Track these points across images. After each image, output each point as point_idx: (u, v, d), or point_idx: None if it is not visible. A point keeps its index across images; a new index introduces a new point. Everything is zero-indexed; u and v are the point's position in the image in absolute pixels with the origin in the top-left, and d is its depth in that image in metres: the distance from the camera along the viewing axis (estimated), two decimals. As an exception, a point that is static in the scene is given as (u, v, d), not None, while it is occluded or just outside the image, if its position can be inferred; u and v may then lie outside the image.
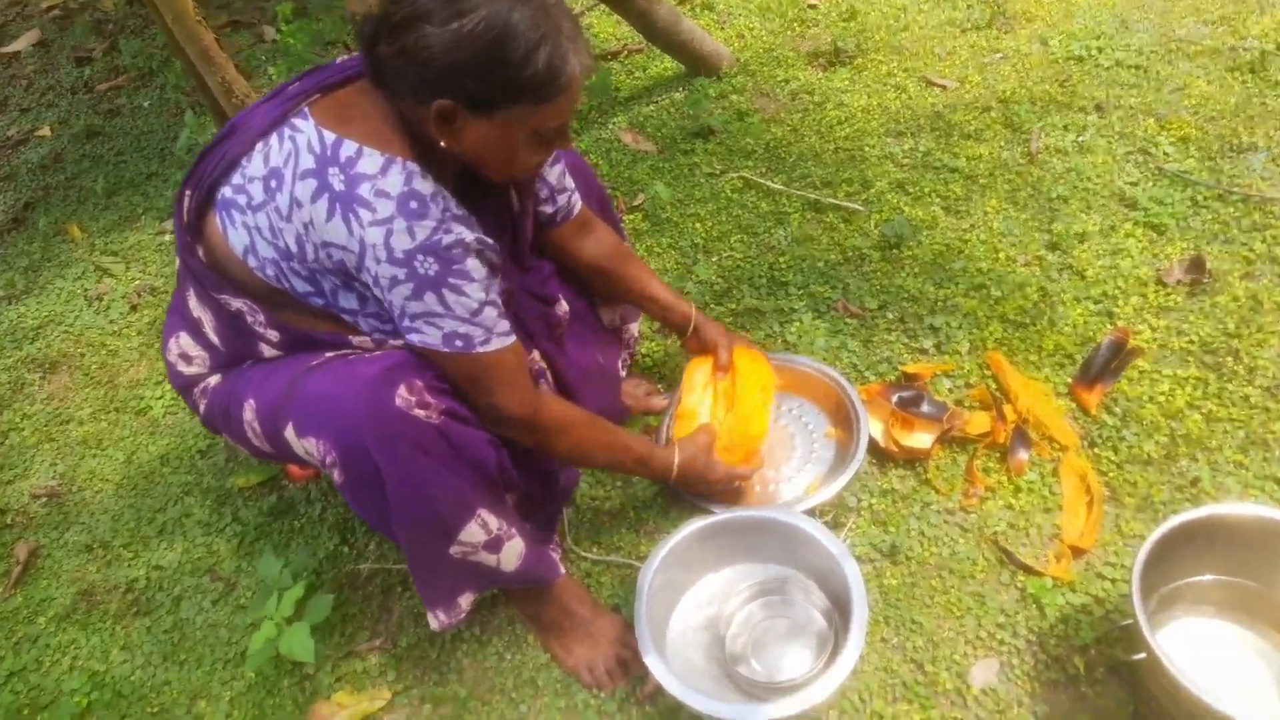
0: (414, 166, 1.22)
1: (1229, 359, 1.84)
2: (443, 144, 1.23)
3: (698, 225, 2.41)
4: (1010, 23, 3.01)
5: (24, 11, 4.25)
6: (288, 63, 2.64)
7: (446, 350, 1.27)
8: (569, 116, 1.27)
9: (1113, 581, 1.55)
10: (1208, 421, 1.75)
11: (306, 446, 1.29)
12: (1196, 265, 2.01)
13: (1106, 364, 1.86)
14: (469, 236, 1.24)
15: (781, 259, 2.26)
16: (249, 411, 1.37)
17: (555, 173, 1.57)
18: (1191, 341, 1.89)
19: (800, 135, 2.66)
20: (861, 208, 2.36)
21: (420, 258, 1.21)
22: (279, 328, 1.37)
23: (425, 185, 1.22)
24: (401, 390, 1.25)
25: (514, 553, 1.43)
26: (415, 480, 1.28)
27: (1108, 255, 2.11)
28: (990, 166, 2.42)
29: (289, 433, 1.30)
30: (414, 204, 1.21)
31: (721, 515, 1.60)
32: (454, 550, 1.36)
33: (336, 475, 1.29)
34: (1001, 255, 2.17)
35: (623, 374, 1.94)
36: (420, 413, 1.25)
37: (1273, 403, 1.76)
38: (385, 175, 1.20)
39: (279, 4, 2.79)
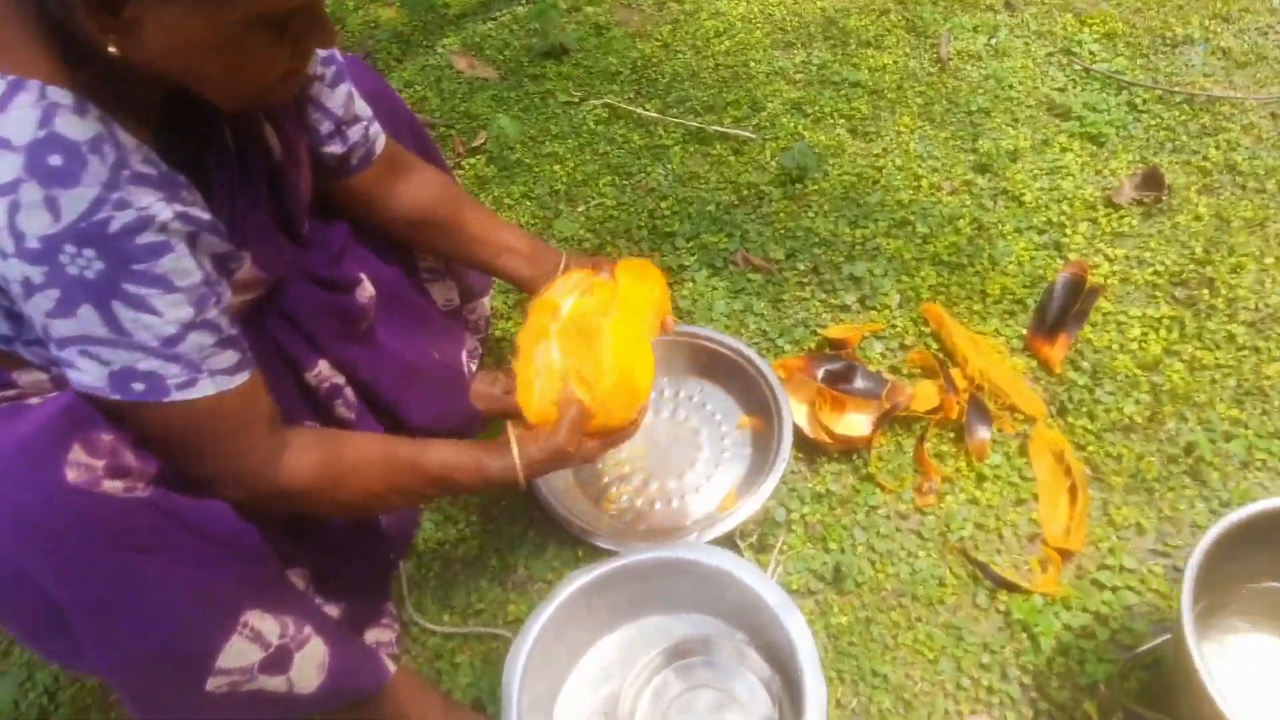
0: (61, 95, 0.72)
1: (1203, 291, 1.54)
2: (111, 49, 0.73)
3: (557, 167, 1.94)
4: (896, -85, 2.62)
5: None
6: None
7: (117, 398, 0.79)
8: None
9: (1114, 590, 1.23)
10: (1191, 370, 1.44)
11: None
12: (1151, 180, 1.69)
13: (1065, 308, 1.52)
14: (165, 212, 0.76)
15: (663, 204, 1.83)
16: None
17: (338, 96, 1.06)
18: (1157, 273, 1.58)
19: (672, 51, 2.21)
20: (753, 135, 1.94)
21: (70, 250, 0.72)
22: None
23: (80, 126, 0.73)
24: (77, 453, 0.76)
25: (313, 664, 0.97)
26: (126, 598, 0.80)
27: (1045, 175, 1.78)
28: (897, 78, 2.05)
29: None
30: (57, 158, 0.71)
31: (616, 561, 1.18)
32: (213, 685, 0.89)
33: None
34: (924, 183, 1.80)
35: (471, 367, 1.47)
36: (114, 485, 0.77)
37: (1261, 340, 1.46)
38: (6, 110, 0.70)
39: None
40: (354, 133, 1.10)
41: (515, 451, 1.06)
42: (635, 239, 1.77)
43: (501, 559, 1.33)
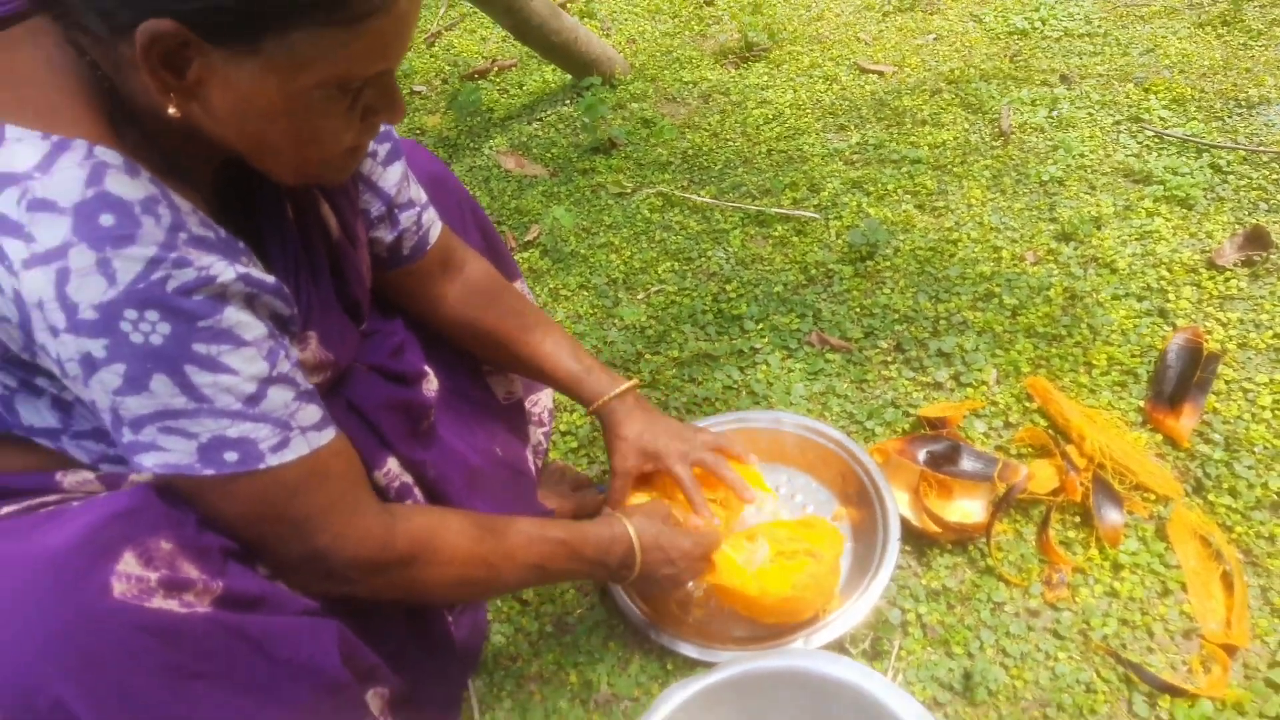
0: (109, 154, 0.65)
1: (1334, 352, 1.40)
2: (171, 110, 0.66)
3: (613, 256, 1.88)
4: (934, 4, 2.64)
5: None
6: None
7: (211, 473, 0.69)
8: (395, 60, 0.71)
9: (1296, 692, 1.05)
10: (1337, 438, 1.29)
11: None
12: (1255, 239, 1.58)
13: (1184, 376, 1.39)
14: (227, 272, 0.68)
15: (727, 287, 1.74)
16: None
17: (391, 176, 0.98)
18: (1278, 335, 1.45)
19: (722, 140, 2.17)
20: (815, 215, 1.87)
21: (131, 315, 0.64)
22: None
23: (132, 186, 0.65)
24: (126, 562, 0.66)
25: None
26: None
27: (1135, 240, 1.67)
28: (960, 153, 1.98)
29: None
30: (109, 218, 0.63)
31: (715, 674, 1.03)
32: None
33: None
34: (1005, 254, 1.70)
35: (537, 464, 1.35)
36: (169, 603, 0.67)
37: None
38: (48, 173, 0.63)
39: None
40: (405, 218, 1.01)
41: (628, 524, 1.03)
42: (700, 323, 1.68)
43: (581, 675, 1.18)
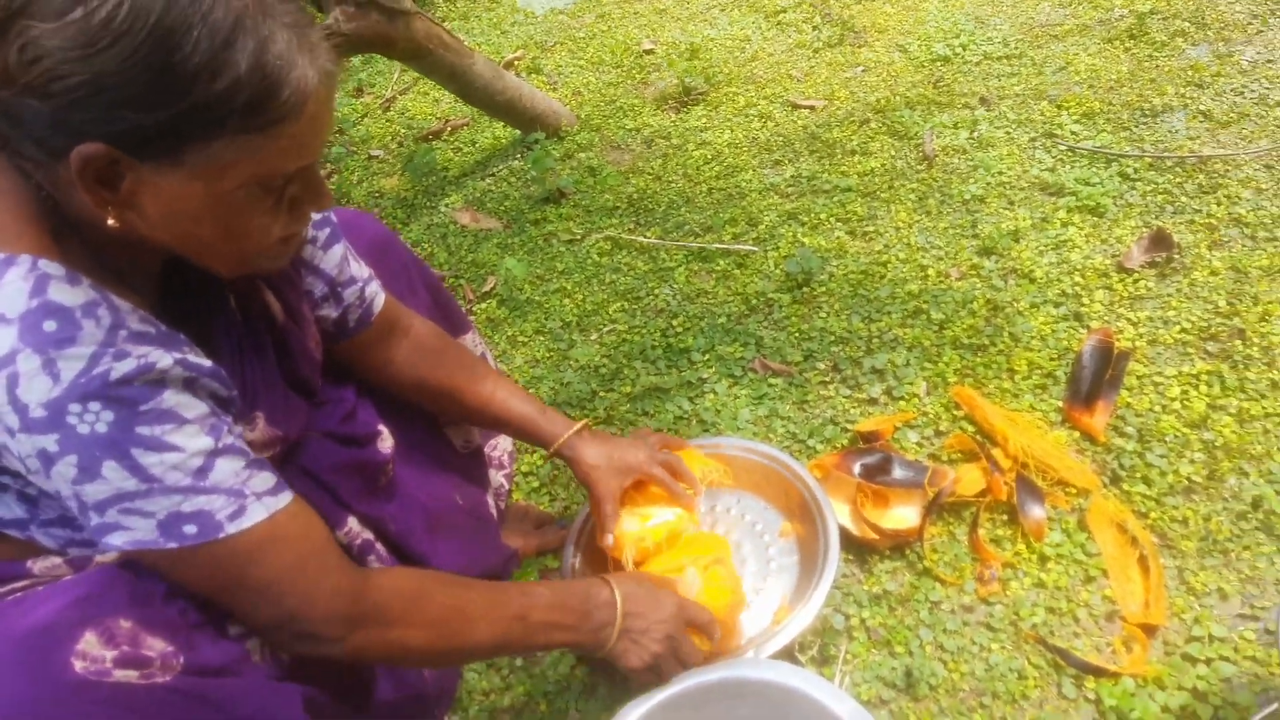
0: (51, 266, 0.72)
1: (1235, 342, 1.50)
2: (110, 221, 0.74)
3: (566, 301, 1.97)
4: (861, 37, 2.77)
5: None
6: None
7: (174, 546, 0.76)
8: (312, 156, 0.78)
9: (1208, 663, 1.13)
10: (1241, 423, 1.39)
11: None
12: (1159, 241, 1.69)
13: (1098, 376, 1.48)
14: (164, 359, 0.74)
15: (674, 321, 1.84)
16: None
17: (333, 258, 1.05)
18: (1185, 330, 1.55)
19: (665, 182, 2.28)
20: (754, 248, 1.97)
21: (75, 409, 0.70)
22: None
23: (71, 294, 0.72)
24: (88, 641, 0.73)
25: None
26: None
27: (1051, 250, 1.78)
28: (887, 179, 2.09)
29: None
30: (51, 324, 0.70)
31: (671, 687, 1.10)
32: None
33: None
34: (931, 271, 1.80)
35: (500, 506, 1.43)
36: (127, 675, 0.73)
37: (1307, 384, 1.41)
38: None
39: None
40: (349, 294, 1.07)
41: (614, 586, 1.07)
42: (651, 358, 1.77)
43: (550, 704, 1.25)
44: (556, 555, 1.44)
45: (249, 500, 0.79)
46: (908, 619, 1.26)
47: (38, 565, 0.85)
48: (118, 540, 0.75)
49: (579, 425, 1.23)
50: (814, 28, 2.88)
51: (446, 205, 2.38)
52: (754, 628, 1.27)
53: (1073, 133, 2.08)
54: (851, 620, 1.27)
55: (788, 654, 1.21)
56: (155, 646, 0.78)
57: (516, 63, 2.98)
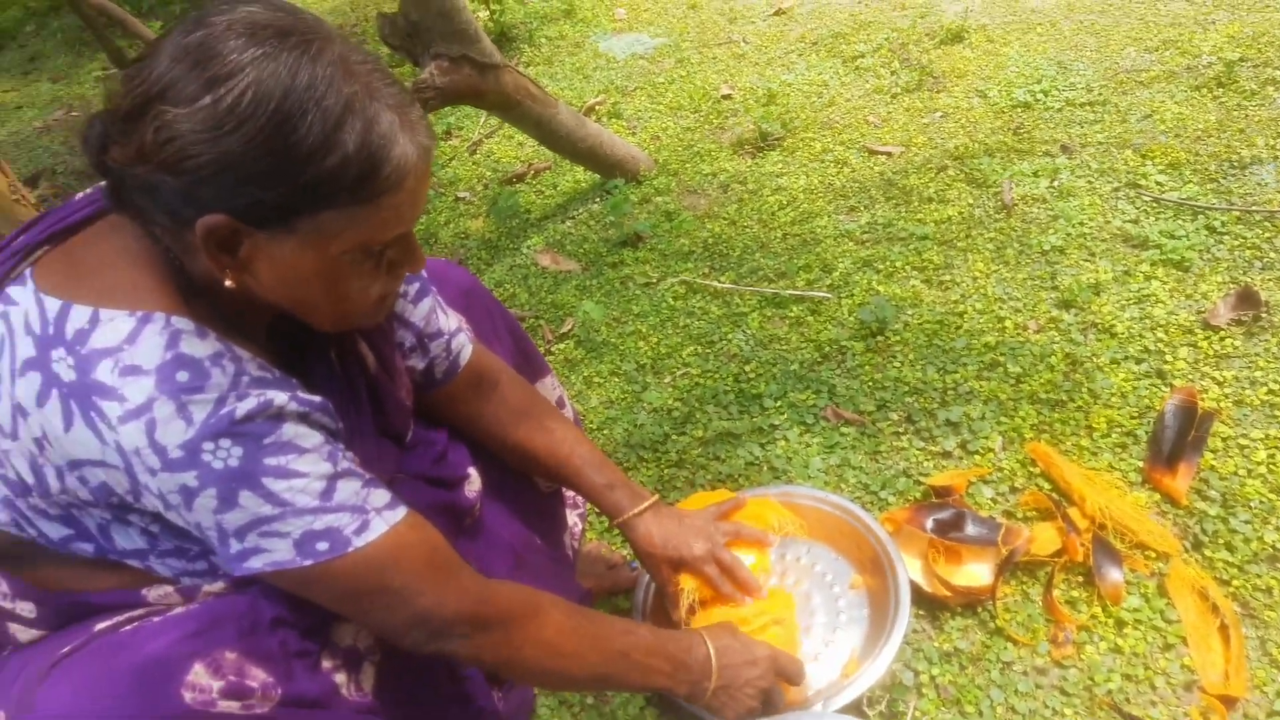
0: (182, 323, 0.80)
1: (1327, 405, 1.46)
2: (228, 283, 0.81)
3: (641, 344, 2.02)
4: (940, 82, 2.78)
5: None
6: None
7: (310, 563, 0.82)
8: (410, 223, 0.85)
9: (1295, 740, 1.10)
10: (1332, 489, 1.35)
11: None
12: (1246, 299, 1.65)
13: (1181, 436, 1.46)
14: (280, 398, 0.81)
15: (747, 367, 1.87)
16: None
17: (420, 312, 1.12)
18: (1272, 391, 1.51)
19: (740, 227, 2.32)
20: (828, 295, 1.99)
21: (208, 446, 0.78)
22: (33, 597, 0.90)
23: (201, 346, 0.80)
24: (197, 672, 0.79)
25: None
26: None
27: (1133, 304, 1.76)
28: (964, 227, 2.09)
29: None
30: (184, 374, 0.78)
31: (742, 738, 1.12)
32: None
33: None
34: (1008, 324, 1.80)
35: (574, 545, 1.47)
36: (231, 705, 0.79)
37: (1404, 452, 1.37)
38: (134, 343, 0.78)
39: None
40: (435, 346, 1.14)
41: (707, 638, 1.11)
42: (723, 403, 1.80)
43: (619, 744, 1.28)
44: (627, 596, 1.47)
45: (371, 515, 0.85)
46: (979, 678, 1.25)
47: (152, 593, 0.93)
48: (257, 564, 0.82)
49: (644, 504, 1.24)
50: (892, 73, 2.90)
51: (528, 247, 2.46)
52: (822, 680, 1.28)
53: (1158, 183, 2.05)
54: (921, 677, 1.27)
55: (856, 708, 1.22)
56: (257, 677, 0.84)
57: (597, 107, 3.07)
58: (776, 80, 3.00)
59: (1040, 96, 2.55)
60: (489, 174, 2.90)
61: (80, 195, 0.95)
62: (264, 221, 0.78)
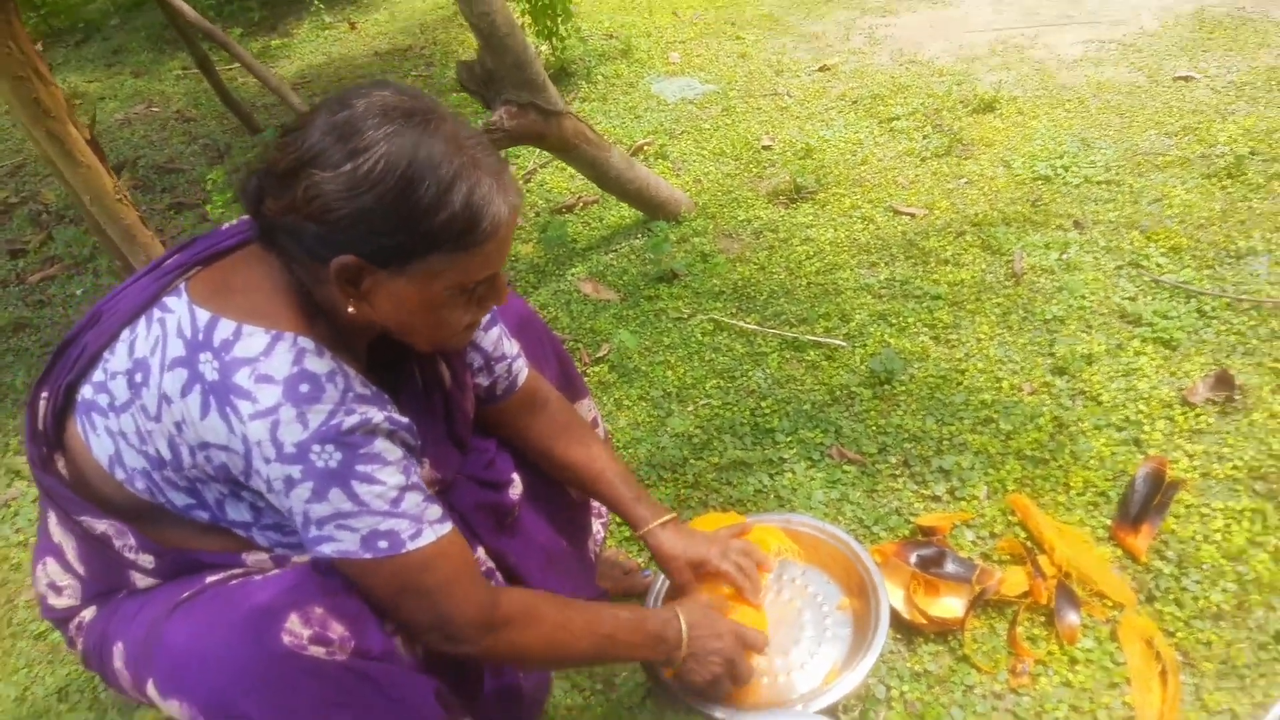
0: (306, 342, 1.00)
1: (1283, 483, 1.62)
2: (350, 309, 1.02)
3: (669, 373, 2.21)
4: (969, 149, 2.96)
5: (-37, 210, 4.13)
6: (221, 236, 2.48)
7: (369, 556, 1.01)
8: (499, 266, 1.06)
9: (1213, 774, 1.26)
10: (1276, 560, 1.50)
11: (171, 710, 1.00)
12: (1223, 381, 1.81)
13: (1147, 500, 1.62)
14: (377, 416, 1.01)
15: (764, 403, 2.05)
16: (118, 658, 1.09)
17: (490, 338, 1.33)
18: (1236, 468, 1.67)
19: (768, 273, 2.51)
20: (844, 343, 2.17)
21: (316, 448, 0.97)
22: (154, 551, 1.10)
23: (320, 363, 1.00)
24: (293, 621, 0.98)
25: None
26: None
27: (1121, 376, 1.92)
28: (975, 291, 2.27)
29: (151, 690, 1.02)
30: (305, 387, 0.98)
31: (727, 725, 1.30)
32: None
33: None
34: (1005, 384, 1.97)
35: (596, 551, 1.66)
36: (318, 650, 0.98)
37: (1346, 531, 1.52)
38: (269, 356, 0.98)
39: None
40: (499, 368, 1.35)
41: (680, 613, 1.29)
42: (739, 434, 1.98)
43: (622, 727, 1.47)
44: (640, 600, 1.65)
45: (424, 526, 1.04)
46: (943, 697, 1.42)
47: (250, 558, 1.13)
48: (327, 550, 1.01)
49: (665, 518, 1.42)
50: (924, 136, 3.08)
51: (572, 274, 2.66)
52: (805, 686, 1.45)
53: (1158, 264, 2.22)
54: (892, 692, 1.44)
55: (831, 713, 1.39)
56: (337, 630, 1.03)
57: (646, 148, 3.28)
58: (815, 135, 3.19)
59: (1060, 171, 2.72)
60: (540, 202, 3.12)
61: (226, 226, 1.17)
62: (385, 262, 0.98)
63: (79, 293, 3.26)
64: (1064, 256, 2.32)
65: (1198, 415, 1.79)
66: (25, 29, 2.07)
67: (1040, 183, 2.70)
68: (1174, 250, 2.25)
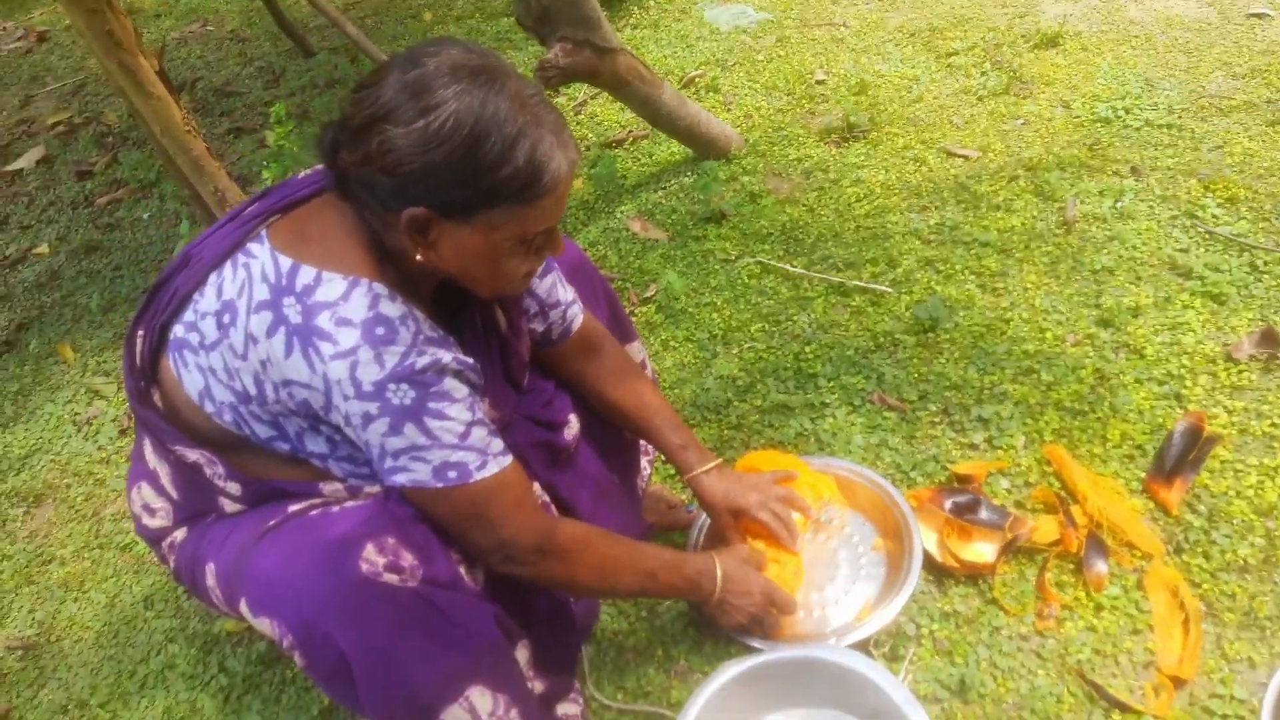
0: (380, 288, 1.08)
1: (1321, 443, 1.64)
2: (418, 257, 1.09)
3: (715, 315, 2.26)
4: (1027, 88, 2.90)
5: (30, 129, 4.25)
6: (280, 166, 2.55)
7: (440, 485, 1.11)
8: (557, 219, 1.12)
9: (1224, 718, 1.33)
10: (1308, 517, 1.54)
11: (262, 627, 1.11)
12: (1268, 338, 1.82)
13: (1183, 455, 1.66)
14: (446, 357, 1.09)
15: (808, 348, 2.10)
16: (210, 577, 1.20)
17: (545, 285, 1.40)
18: (1275, 425, 1.69)
19: (817, 215, 2.52)
20: (889, 289, 2.20)
21: (392, 387, 1.05)
22: (240, 479, 1.21)
23: (393, 308, 1.08)
24: (369, 551, 1.08)
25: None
26: (389, 660, 1.09)
27: (1166, 330, 1.93)
28: (1025, 238, 2.27)
29: (244, 608, 1.13)
30: (381, 330, 1.05)
31: (764, 656, 1.40)
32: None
33: (298, 659, 1.11)
34: (1049, 335, 1.99)
35: (642, 486, 1.75)
36: (392, 577, 1.08)
37: (1380, 492, 1.55)
38: (347, 300, 1.06)
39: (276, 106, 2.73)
40: (554, 314, 1.42)
41: (716, 562, 1.39)
42: (782, 378, 2.04)
43: (665, 650, 1.57)
44: (682, 534, 1.74)
45: (489, 458, 1.13)
46: (970, 637, 1.50)
47: (327, 487, 1.23)
48: (401, 479, 1.10)
49: (711, 464, 1.51)
50: (982, 73, 3.02)
51: (621, 212, 2.70)
52: (839, 621, 1.54)
53: (1214, 216, 2.19)
54: (922, 630, 1.52)
55: (863, 646, 1.48)
56: (407, 559, 1.13)
57: (697, 79, 3.26)
58: (870, 70, 3.15)
59: (1121, 113, 2.66)
60: (591, 135, 3.13)
61: (300, 175, 1.24)
62: (451, 214, 1.05)
63: (145, 216, 3.37)
64: (1118, 205, 2.30)
65: (1240, 371, 1.80)
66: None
67: (1099, 125, 2.65)
68: (1230, 201, 2.22)
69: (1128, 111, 2.67)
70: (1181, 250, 2.12)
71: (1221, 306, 1.96)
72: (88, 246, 3.25)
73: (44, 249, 3.32)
